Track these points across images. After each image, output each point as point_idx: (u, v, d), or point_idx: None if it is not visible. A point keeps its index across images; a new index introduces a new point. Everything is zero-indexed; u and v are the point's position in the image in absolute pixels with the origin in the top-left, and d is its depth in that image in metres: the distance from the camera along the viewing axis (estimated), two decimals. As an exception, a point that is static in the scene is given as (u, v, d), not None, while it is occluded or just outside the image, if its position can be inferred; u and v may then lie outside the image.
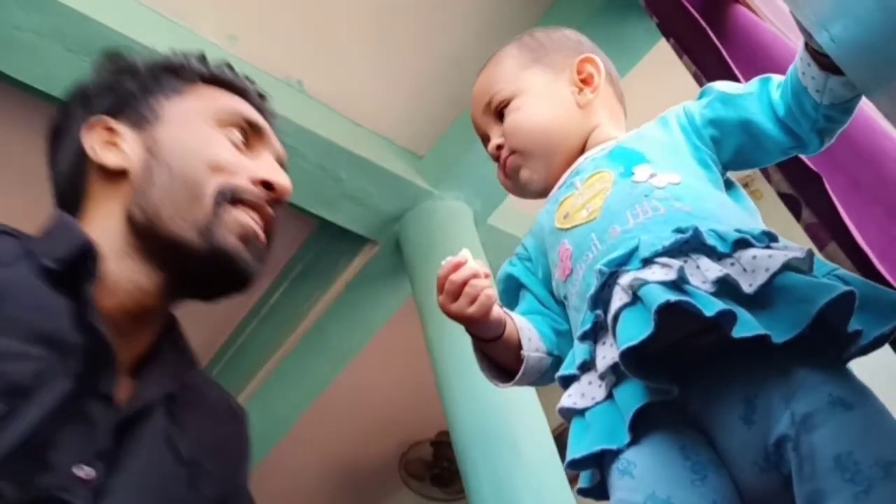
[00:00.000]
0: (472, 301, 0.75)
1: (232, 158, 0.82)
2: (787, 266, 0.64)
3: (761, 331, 0.60)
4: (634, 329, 0.63)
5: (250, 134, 0.87)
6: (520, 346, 0.80)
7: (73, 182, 0.84)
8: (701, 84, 1.25)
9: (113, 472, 0.68)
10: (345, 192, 2.18)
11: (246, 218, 0.80)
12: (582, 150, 0.90)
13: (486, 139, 0.97)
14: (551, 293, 0.86)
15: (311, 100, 2.10)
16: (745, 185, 2.79)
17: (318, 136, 2.01)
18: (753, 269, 0.65)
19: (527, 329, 0.82)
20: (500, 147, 0.93)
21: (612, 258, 0.70)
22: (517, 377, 0.81)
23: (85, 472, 0.66)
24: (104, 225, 0.79)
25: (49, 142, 0.89)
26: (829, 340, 0.64)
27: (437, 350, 2.02)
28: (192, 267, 0.78)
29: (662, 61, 1.54)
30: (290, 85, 2.07)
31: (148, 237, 0.78)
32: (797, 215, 1.05)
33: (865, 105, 0.88)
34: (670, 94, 1.20)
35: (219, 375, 2.89)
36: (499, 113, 0.94)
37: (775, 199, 1.10)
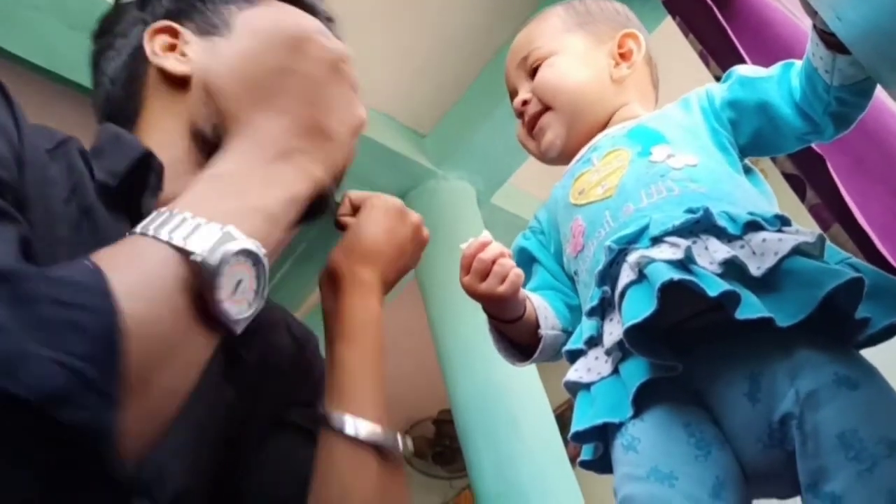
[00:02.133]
0: (502, 280, 0.75)
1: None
2: (797, 250, 0.64)
3: (765, 313, 0.60)
4: (639, 307, 0.63)
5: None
6: (537, 325, 0.80)
7: (128, 86, 0.74)
8: (707, 63, 1.24)
9: None
10: (348, 172, 2.17)
11: None
12: (605, 125, 0.89)
13: (514, 93, 0.96)
14: (562, 267, 0.86)
15: (313, 78, 2.09)
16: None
17: (320, 114, 2.01)
18: (763, 252, 0.64)
19: (543, 307, 0.82)
20: (525, 102, 0.92)
21: (622, 235, 0.70)
22: (535, 356, 0.81)
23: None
24: (166, 138, 0.70)
25: (95, 39, 0.80)
26: (836, 325, 0.64)
27: (439, 329, 2.03)
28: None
29: (668, 39, 1.53)
30: (293, 63, 2.06)
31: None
32: (801, 196, 1.04)
33: (872, 84, 0.88)
34: (676, 73, 1.20)
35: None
36: (533, 70, 0.92)
37: (780, 180, 1.09)
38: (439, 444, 3.39)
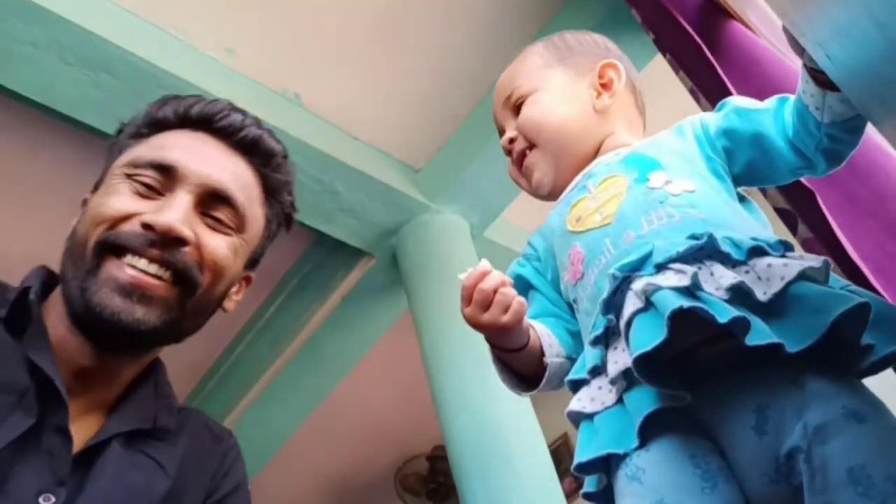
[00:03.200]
0: (505, 310, 0.73)
1: (117, 206, 0.78)
2: (803, 275, 0.64)
3: (775, 339, 0.60)
4: (648, 335, 0.62)
5: (162, 177, 0.81)
6: (541, 353, 0.79)
7: None
8: (697, 99, 1.25)
9: (75, 498, 0.70)
10: (341, 205, 2.18)
11: (122, 268, 0.75)
12: (594, 156, 0.90)
13: (501, 132, 0.97)
14: (560, 294, 0.86)
15: (308, 113, 2.11)
16: (742, 200, 2.79)
17: (314, 149, 2.02)
18: (768, 277, 0.64)
19: (546, 335, 0.81)
20: (512, 140, 0.93)
21: (626, 263, 0.70)
22: (542, 384, 0.80)
23: (47, 498, 0.68)
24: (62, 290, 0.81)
25: None
26: (841, 352, 0.63)
27: (433, 364, 2.01)
28: (82, 328, 0.76)
29: (659, 77, 1.55)
30: (288, 98, 2.08)
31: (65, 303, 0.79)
32: (793, 230, 1.05)
33: (860, 121, 0.89)
34: (667, 110, 1.21)
35: (214, 389, 2.88)
36: (517, 108, 0.94)
37: (772, 214, 1.10)
38: (433, 481, 3.35)
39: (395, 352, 2.62)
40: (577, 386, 0.72)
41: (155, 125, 0.86)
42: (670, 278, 0.65)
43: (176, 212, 0.78)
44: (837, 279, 0.69)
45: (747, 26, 1.23)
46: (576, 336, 0.82)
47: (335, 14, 1.97)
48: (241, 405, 2.78)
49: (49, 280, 0.83)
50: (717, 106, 0.88)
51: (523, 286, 0.89)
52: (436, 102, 2.17)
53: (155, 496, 0.76)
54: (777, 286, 0.63)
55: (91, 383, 0.78)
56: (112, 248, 0.76)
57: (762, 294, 0.64)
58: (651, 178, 0.79)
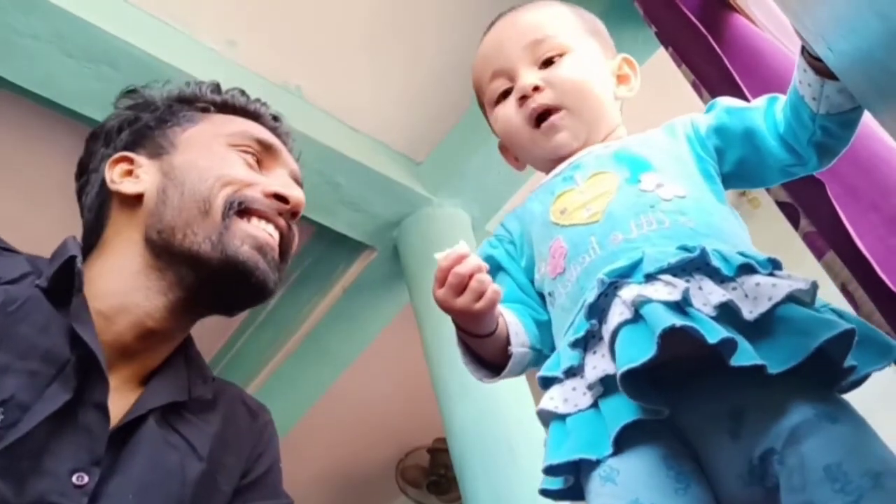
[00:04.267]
0: (479, 296, 0.71)
1: (243, 173, 0.85)
2: (790, 297, 0.64)
3: (759, 361, 0.60)
4: (635, 350, 0.62)
5: (263, 154, 0.91)
6: (507, 341, 0.77)
7: (97, 213, 0.88)
8: (700, 93, 1.25)
9: (109, 478, 0.70)
10: (343, 198, 2.18)
11: (258, 228, 0.83)
12: (604, 141, 0.87)
13: (509, 73, 0.88)
14: (531, 281, 0.84)
15: (309, 105, 2.10)
16: (743, 194, 2.80)
17: (316, 141, 2.02)
18: (756, 296, 0.64)
19: (514, 323, 0.79)
20: (537, 88, 0.85)
21: (615, 269, 0.69)
22: (504, 372, 0.78)
23: (80, 478, 0.68)
24: (124, 249, 0.83)
25: (76, 178, 0.94)
26: (822, 370, 0.64)
27: (434, 357, 2.02)
28: (210, 280, 0.80)
29: (661, 70, 1.54)
30: (289, 90, 2.07)
31: (165, 255, 0.81)
32: (795, 224, 1.05)
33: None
34: (669, 103, 1.21)
35: (215, 381, 2.88)
36: (544, 59, 0.87)
37: (773, 208, 1.10)
38: (434, 473, 3.36)
39: (397, 344, 2.62)
40: (548, 383, 0.71)
41: (216, 106, 0.94)
42: (660, 291, 0.64)
43: (299, 190, 0.89)
44: (820, 300, 0.69)
45: (750, 19, 1.22)
46: (542, 326, 0.81)
47: (336, 6, 1.96)
48: (243, 398, 2.78)
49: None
50: (707, 107, 0.87)
51: (493, 267, 0.85)
52: (437, 95, 2.16)
53: (188, 479, 0.77)
54: (764, 306, 0.63)
55: (130, 359, 0.79)
56: (240, 210, 0.82)
57: (749, 313, 0.63)
58: (643, 179, 0.77)
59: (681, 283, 0.65)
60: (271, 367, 2.73)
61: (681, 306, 0.63)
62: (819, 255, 0.98)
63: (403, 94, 2.17)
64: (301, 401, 2.83)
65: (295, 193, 0.87)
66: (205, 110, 0.93)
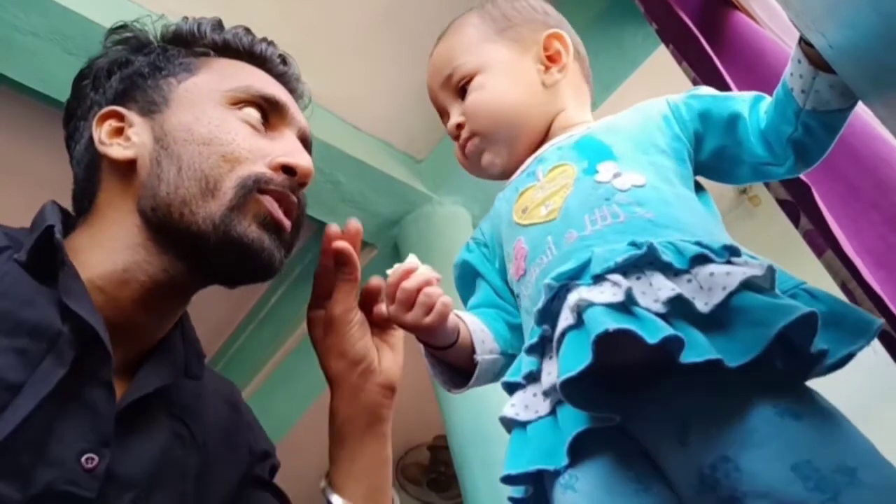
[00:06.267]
0: (429, 310, 0.70)
1: (247, 145, 0.78)
2: (746, 284, 0.60)
3: (713, 355, 0.56)
4: (574, 358, 0.59)
5: (269, 111, 0.83)
6: (473, 350, 0.76)
7: (87, 171, 0.82)
8: (699, 90, 1.25)
9: (120, 460, 0.67)
10: (343, 196, 2.18)
11: (266, 206, 0.78)
12: (546, 134, 0.85)
13: (444, 114, 0.92)
14: (507, 283, 0.82)
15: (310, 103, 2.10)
16: (743, 192, 2.79)
17: (316, 139, 1.99)
18: (710, 286, 0.60)
19: (480, 330, 0.78)
20: (460, 126, 0.88)
21: (563, 272, 0.66)
22: (471, 382, 0.78)
23: (90, 460, 0.64)
24: (117, 219, 0.78)
25: (65, 125, 0.87)
26: (790, 360, 0.60)
27: (434, 354, 2.02)
28: (211, 258, 0.76)
29: (661, 67, 1.54)
30: (290, 88, 2.07)
31: (163, 231, 0.76)
32: (795, 222, 1.05)
33: (863, 111, 0.88)
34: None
35: (216, 378, 2.89)
36: (460, 89, 0.89)
37: (774, 205, 1.10)
38: (434, 471, 3.36)
39: (397, 342, 2.62)
40: (512, 389, 0.69)
41: (217, 49, 0.86)
42: (605, 292, 0.61)
43: (306, 156, 0.83)
44: (789, 278, 0.66)
45: (752, 17, 1.22)
46: (515, 329, 0.79)
47: (337, 4, 1.96)
48: (244, 395, 2.78)
49: (66, 218, 0.79)
50: (688, 92, 0.84)
51: (470, 273, 0.86)
52: (438, 93, 2.16)
53: (188, 471, 0.75)
54: (719, 297, 0.59)
55: (129, 334, 0.74)
56: (255, 188, 0.77)
57: (703, 305, 0.60)
58: (600, 169, 0.75)
59: (625, 283, 0.61)
60: (272, 364, 2.73)
61: (626, 306, 0.60)
62: (819, 252, 0.98)
63: (404, 92, 2.16)
64: (302, 398, 2.83)
65: (302, 163, 0.81)
66: (204, 55, 0.85)
